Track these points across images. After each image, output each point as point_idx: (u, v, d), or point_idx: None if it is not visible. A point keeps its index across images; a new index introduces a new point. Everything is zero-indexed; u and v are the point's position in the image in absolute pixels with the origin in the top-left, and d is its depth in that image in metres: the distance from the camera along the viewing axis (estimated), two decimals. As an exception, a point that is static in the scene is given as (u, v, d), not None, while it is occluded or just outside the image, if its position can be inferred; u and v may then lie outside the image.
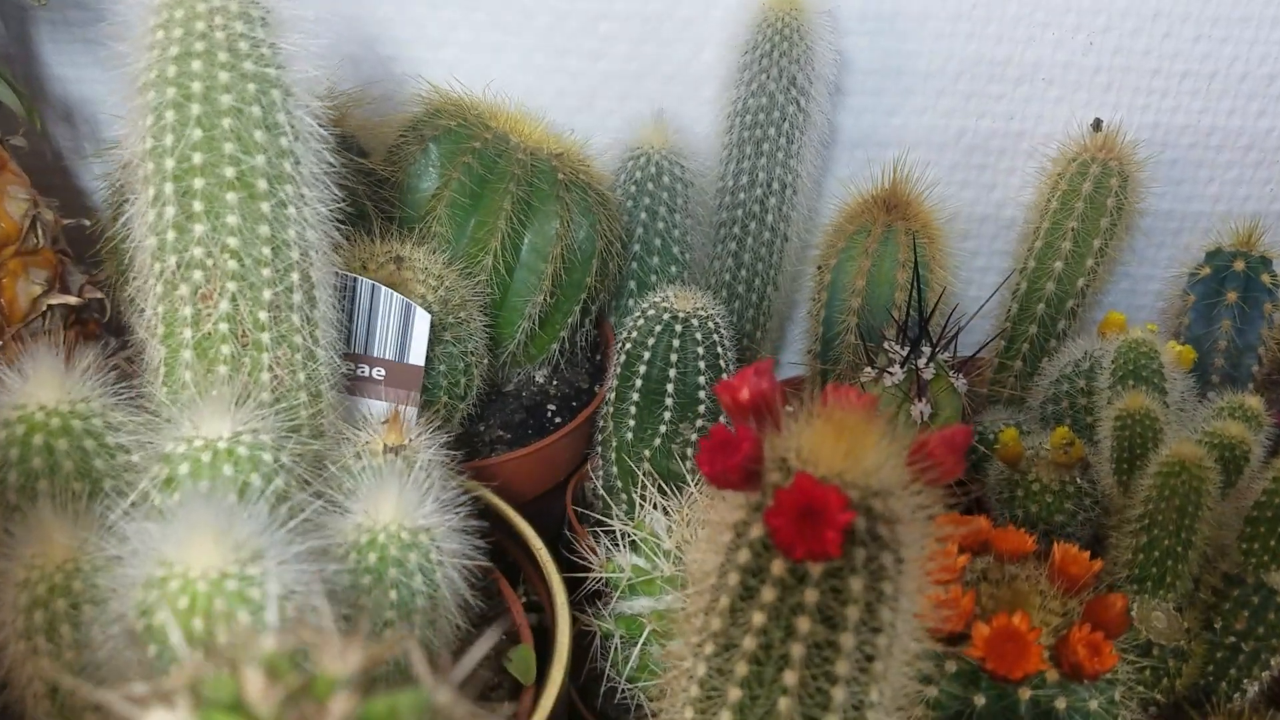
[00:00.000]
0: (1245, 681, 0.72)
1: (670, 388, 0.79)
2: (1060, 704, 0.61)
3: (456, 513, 0.57)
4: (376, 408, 0.68)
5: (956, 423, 0.79)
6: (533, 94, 0.94)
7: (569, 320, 0.84)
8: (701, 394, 0.79)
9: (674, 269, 0.93)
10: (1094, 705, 0.62)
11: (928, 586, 0.51)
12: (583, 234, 0.83)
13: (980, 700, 0.61)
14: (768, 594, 0.48)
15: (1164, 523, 0.68)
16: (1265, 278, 0.93)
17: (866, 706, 0.49)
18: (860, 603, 0.47)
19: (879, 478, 0.48)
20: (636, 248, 0.92)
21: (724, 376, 0.82)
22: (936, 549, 0.49)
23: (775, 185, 0.93)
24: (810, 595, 0.47)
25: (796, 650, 0.47)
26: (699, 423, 0.80)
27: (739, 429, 0.47)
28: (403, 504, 0.53)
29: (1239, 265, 0.94)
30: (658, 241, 0.93)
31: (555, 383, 0.88)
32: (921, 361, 0.77)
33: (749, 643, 0.48)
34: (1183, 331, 0.98)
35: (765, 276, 0.97)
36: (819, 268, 0.94)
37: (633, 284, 0.93)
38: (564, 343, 0.86)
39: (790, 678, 0.48)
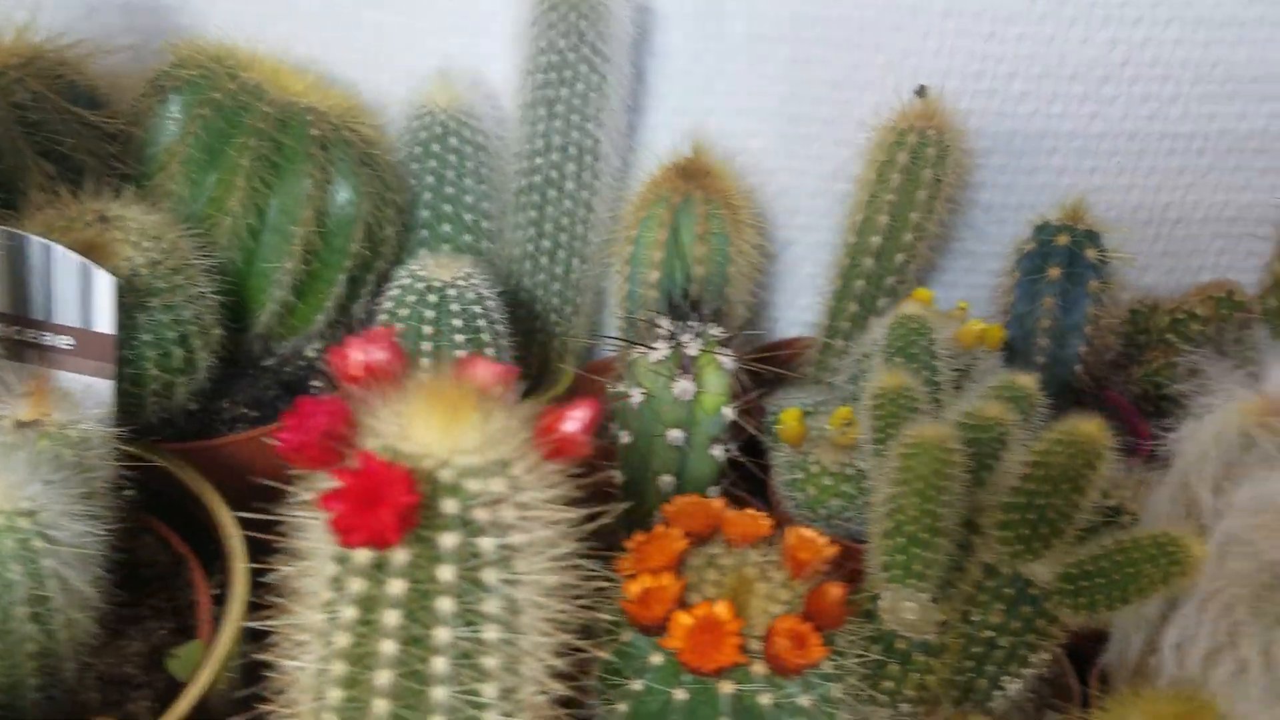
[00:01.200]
0: (1005, 679, 0.68)
1: (426, 362, 0.74)
2: (765, 699, 0.56)
3: (104, 494, 0.52)
4: (70, 380, 0.63)
5: (726, 404, 0.75)
6: (324, 47, 0.89)
7: (332, 291, 0.79)
8: (458, 369, 0.74)
9: (468, 238, 0.89)
10: (805, 701, 0.57)
11: (566, 572, 0.46)
12: (344, 197, 0.78)
13: (681, 695, 0.57)
14: (355, 585, 0.43)
15: (906, 507, 0.63)
16: (1090, 253, 0.89)
17: (480, 707, 0.44)
18: (453, 594, 0.43)
19: (482, 455, 0.43)
20: (425, 214, 0.87)
21: (487, 350, 0.77)
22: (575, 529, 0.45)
23: (573, 150, 0.88)
24: (395, 587, 0.42)
25: (386, 648, 0.43)
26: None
27: (325, 401, 0.43)
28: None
29: (1063, 240, 0.89)
30: (448, 208, 0.87)
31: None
32: (687, 338, 0.72)
33: (342, 640, 0.44)
34: (1009, 310, 0.93)
35: (570, 248, 0.92)
36: (622, 240, 0.89)
37: (424, 254, 0.88)
38: (336, 314, 0.81)
39: (382, 678, 0.43)
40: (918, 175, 0.90)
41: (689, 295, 0.73)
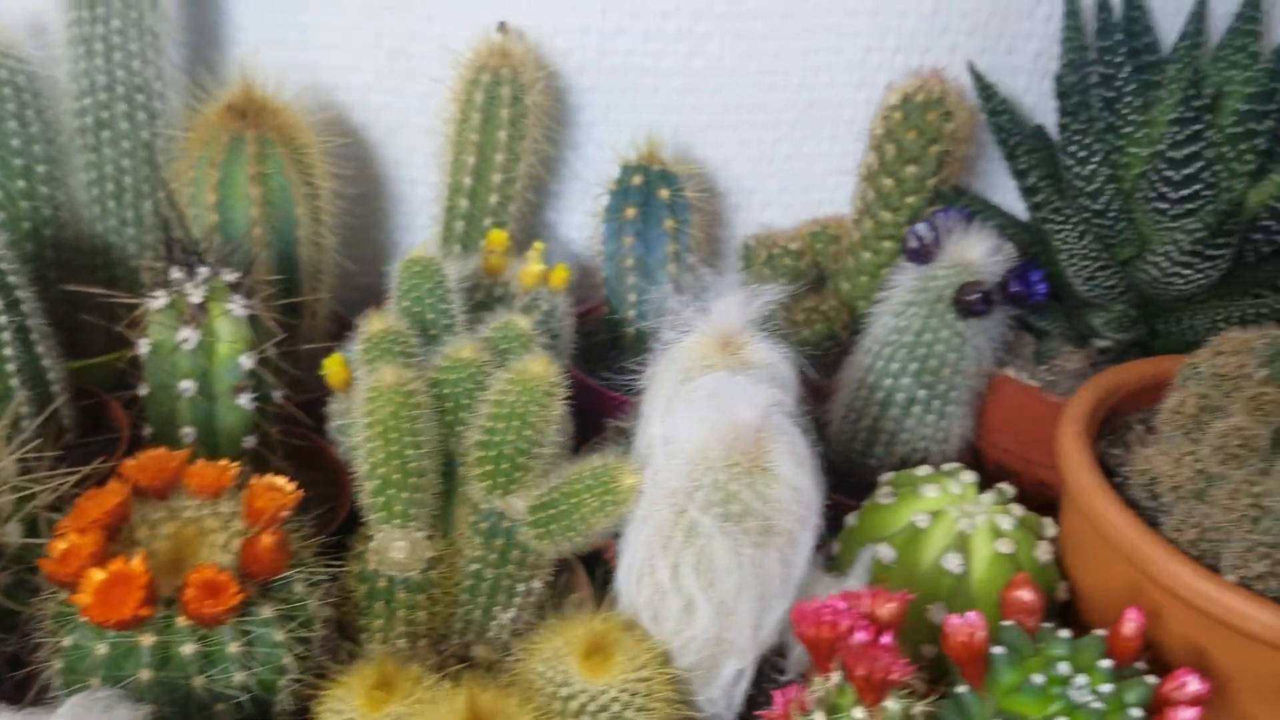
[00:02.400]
0: (496, 609, 0.70)
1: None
2: (187, 649, 0.57)
3: None
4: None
5: (242, 352, 0.74)
6: None
7: None
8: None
9: (21, 184, 0.85)
10: (234, 649, 0.58)
11: None
12: None
13: (102, 649, 0.57)
14: None
15: (376, 450, 0.64)
16: (663, 193, 0.90)
17: None
18: None
19: None
20: (-37, 160, 0.83)
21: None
22: None
23: (121, 90, 0.84)
24: None
25: None
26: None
27: None
28: None
29: (637, 180, 0.91)
30: (-8, 153, 0.83)
31: None
32: (191, 285, 0.71)
33: None
34: (601, 248, 0.95)
35: (138, 191, 0.89)
36: (182, 183, 0.86)
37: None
38: None
39: None
40: (495, 115, 0.90)
41: (190, 239, 0.71)
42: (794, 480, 0.56)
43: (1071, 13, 0.89)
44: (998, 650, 0.58)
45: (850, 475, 0.88)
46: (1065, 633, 0.60)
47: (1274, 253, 0.84)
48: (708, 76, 1.00)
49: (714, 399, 0.56)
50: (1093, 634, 0.60)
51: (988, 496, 0.76)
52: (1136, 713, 0.55)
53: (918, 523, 0.73)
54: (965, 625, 0.57)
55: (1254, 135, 0.82)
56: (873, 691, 0.52)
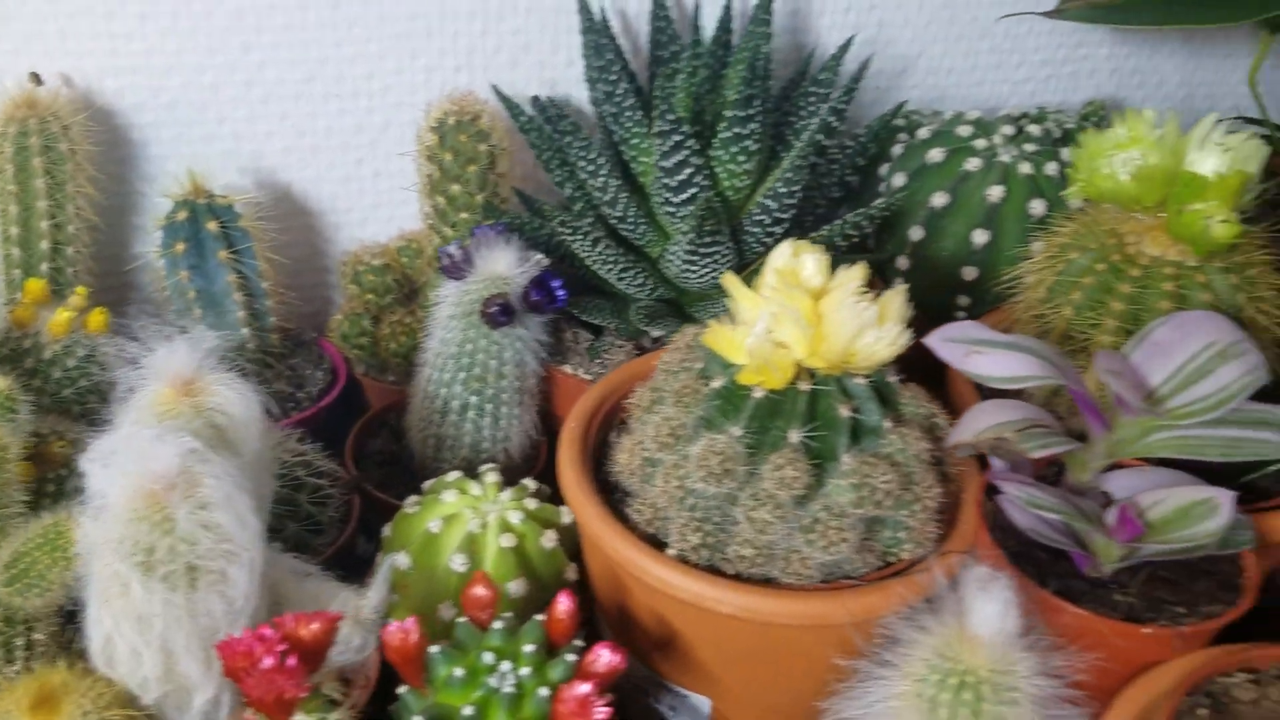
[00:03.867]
0: (3, 665, 0.72)
1: None
2: None
3: None
4: None
5: None
6: None
7: None
8: None
9: None
10: None
11: None
12: None
13: None
14: None
15: None
16: (211, 225, 0.92)
17: None
18: None
19: None
20: None
21: None
22: None
23: None
24: None
25: None
26: None
27: None
28: None
29: (183, 215, 0.93)
30: None
31: None
32: None
33: None
34: (163, 285, 0.96)
35: None
36: None
37: None
38: None
39: None
40: (28, 165, 0.90)
41: None
42: (213, 521, 0.60)
43: (588, 29, 0.95)
44: (434, 649, 0.64)
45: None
46: (529, 620, 0.66)
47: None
48: (272, 103, 1.03)
49: (126, 452, 0.59)
50: (533, 620, 0.66)
51: (508, 493, 0.82)
52: (544, 692, 0.62)
53: (431, 528, 0.79)
54: (399, 630, 0.63)
55: (741, 139, 0.90)
56: (276, 713, 0.57)
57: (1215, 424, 0.67)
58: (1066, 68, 1.24)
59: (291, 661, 0.58)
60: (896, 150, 1.05)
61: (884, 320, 0.68)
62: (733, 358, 0.69)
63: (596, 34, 0.93)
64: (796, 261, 0.70)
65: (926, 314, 1.04)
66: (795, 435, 0.69)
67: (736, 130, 0.89)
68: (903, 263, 1.02)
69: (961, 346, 0.68)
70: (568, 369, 0.96)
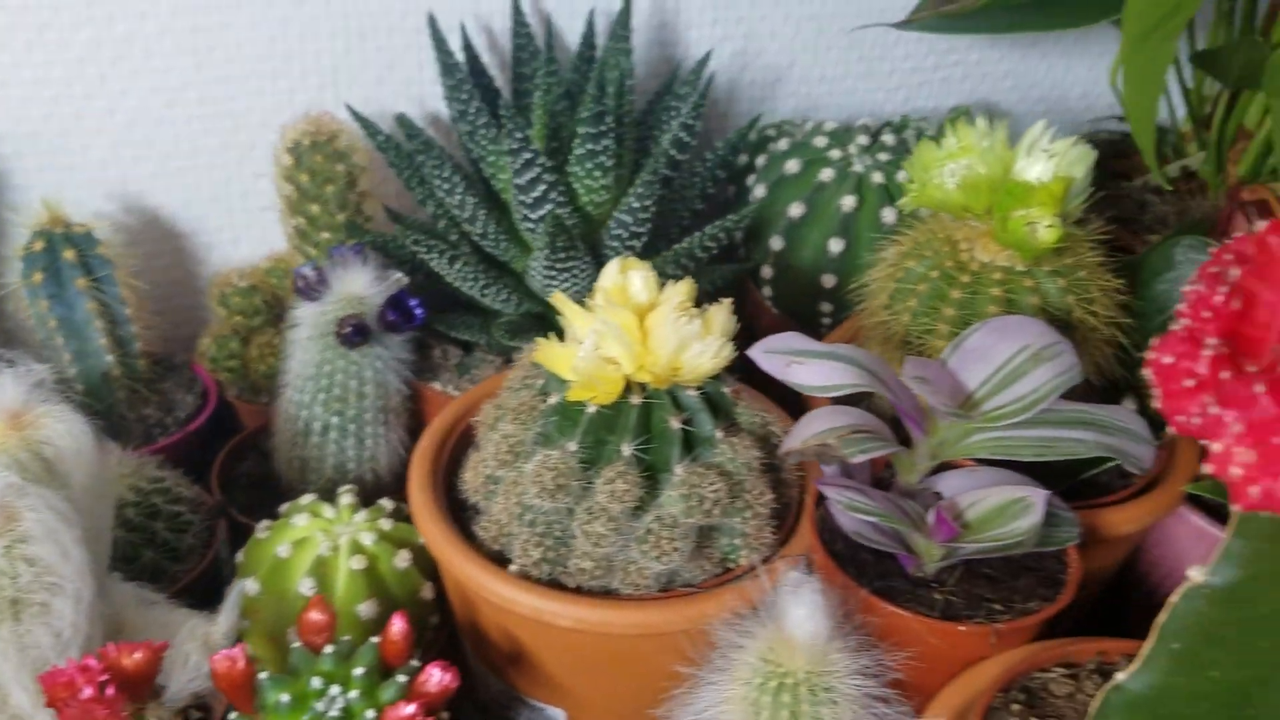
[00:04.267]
0: None
1: None
2: None
3: None
4: None
5: None
6: None
7: None
8: None
9: None
10: None
11: None
12: None
13: None
14: None
15: None
16: (68, 254, 0.92)
17: None
18: None
19: None
20: None
21: None
22: None
23: None
24: None
25: None
26: None
27: None
28: None
29: (39, 245, 0.92)
30: None
31: None
32: None
33: None
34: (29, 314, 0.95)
35: None
36: None
37: None
38: None
39: None
40: None
41: None
42: (34, 555, 0.60)
43: (438, 47, 0.96)
44: (263, 675, 0.64)
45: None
46: (364, 643, 0.66)
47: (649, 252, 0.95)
48: (136, 129, 1.02)
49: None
50: (369, 642, 0.67)
51: (362, 515, 0.83)
52: (370, 714, 0.62)
53: (280, 553, 0.79)
54: (226, 658, 0.63)
55: (595, 155, 0.91)
56: (90, 742, 0.57)
57: (1028, 424, 0.69)
58: (938, 74, 1.27)
59: (110, 691, 0.58)
60: (760, 161, 1.07)
61: (707, 334, 0.70)
62: (564, 374, 0.70)
63: (445, 53, 0.94)
64: (624, 279, 0.72)
65: (798, 320, 1.07)
66: (627, 448, 0.70)
67: (590, 147, 0.91)
68: (767, 271, 1.04)
69: (783, 358, 0.70)
70: (437, 386, 0.97)
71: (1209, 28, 1.09)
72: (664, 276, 0.94)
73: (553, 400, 0.72)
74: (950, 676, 0.68)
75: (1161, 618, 0.51)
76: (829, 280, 1.00)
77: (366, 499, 0.85)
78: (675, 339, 0.69)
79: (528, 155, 0.87)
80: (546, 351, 0.71)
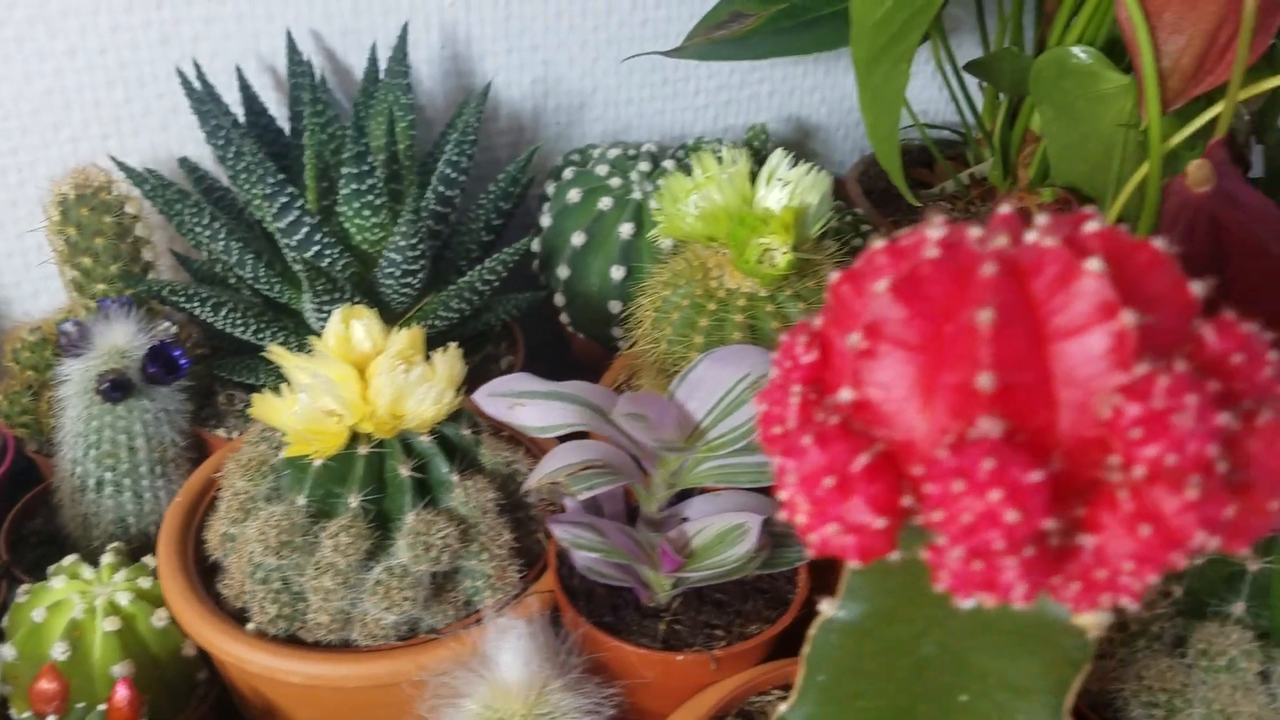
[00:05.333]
0: None
1: None
2: None
3: None
4: None
5: None
6: None
7: None
8: None
9: None
10: None
11: None
12: None
13: None
14: None
15: None
16: None
17: None
18: None
19: None
20: None
21: None
22: None
23: None
24: None
25: None
26: None
27: None
28: None
29: None
30: None
31: None
32: None
33: None
34: None
35: None
36: None
37: None
38: None
39: None
40: None
41: None
42: None
43: (190, 95, 0.95)
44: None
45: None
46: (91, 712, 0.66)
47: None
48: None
49: None
50: (94, 711, 0.66)
51: (122, 574, 0.82)
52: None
53: (35, 618, 0.78)
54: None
55: (362, 195, 0.91)
56: None
57: (744, 451, 0.70)
58: (744, 91, 1.28)
59: None
60: (549, 190, 1.07)
61: (430, 380, 0.70)
62: (281, 428, 0.70)
63: (199, 100, 0.93)
64: (345, 329, 0.72)
65: (600, 345, 1.07)
66: (354, 500, 0.70)
67: (355, 186, 0.91)
68: (559, 300, 1.04)
69: (506, 400, 0.70)
70: (221, 433, 0.96)
71: (996, 34, 1.12)
72: (450, 311, 0.95)
73: (283, 454, 0.72)
74: (677, 705, 0.69)
75: (805, 650, 0.52)
76: (615, 306, 1.00)
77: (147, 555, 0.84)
78: (391, 389, 0.69)
79: (284, 198, 0.87)
80: (264, 406, 0.71)
